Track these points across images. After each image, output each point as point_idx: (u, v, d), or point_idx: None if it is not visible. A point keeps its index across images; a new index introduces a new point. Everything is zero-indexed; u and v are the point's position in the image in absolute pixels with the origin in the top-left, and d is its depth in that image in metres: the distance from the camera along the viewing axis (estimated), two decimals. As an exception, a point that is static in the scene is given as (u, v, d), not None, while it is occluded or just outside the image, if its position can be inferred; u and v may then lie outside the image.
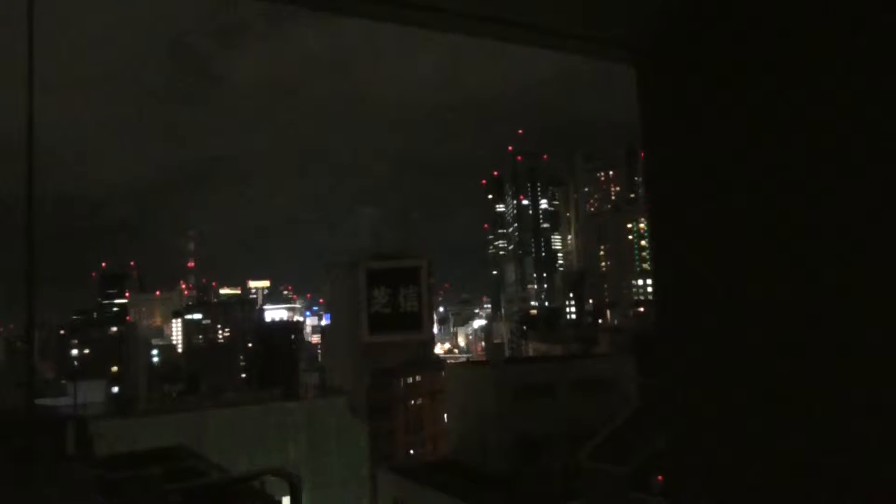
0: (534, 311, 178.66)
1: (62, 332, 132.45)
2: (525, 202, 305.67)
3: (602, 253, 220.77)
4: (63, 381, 71.36)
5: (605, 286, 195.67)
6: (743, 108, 1.62)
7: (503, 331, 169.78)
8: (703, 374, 1.74)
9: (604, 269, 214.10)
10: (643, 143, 1.92)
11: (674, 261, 1.85)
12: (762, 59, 1.58)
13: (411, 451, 66.14)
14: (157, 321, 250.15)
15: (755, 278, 1.58)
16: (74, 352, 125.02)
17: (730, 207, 1.65)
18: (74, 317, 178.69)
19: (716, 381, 1.69)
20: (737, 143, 1.64)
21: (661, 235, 1.90)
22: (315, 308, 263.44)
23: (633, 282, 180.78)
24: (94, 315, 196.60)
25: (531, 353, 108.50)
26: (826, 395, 1.45)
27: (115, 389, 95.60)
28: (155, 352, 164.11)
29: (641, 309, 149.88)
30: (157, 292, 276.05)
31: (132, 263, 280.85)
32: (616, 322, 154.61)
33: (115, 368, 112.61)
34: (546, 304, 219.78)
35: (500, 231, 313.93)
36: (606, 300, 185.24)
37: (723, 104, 1.67)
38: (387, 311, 75.50)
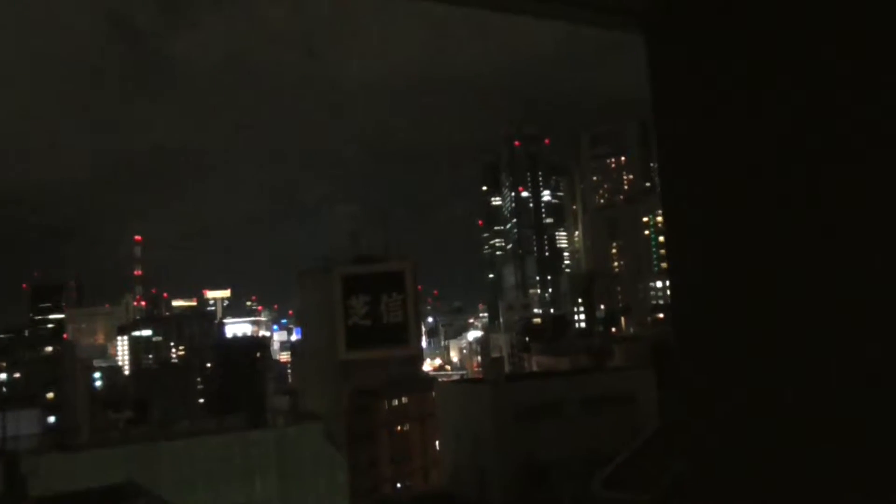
0: (537, 320, 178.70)
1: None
2: (525, 194, 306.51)
3: (614, 251, 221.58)
4: (-10, 411, 70.75)
5: (619, 289, 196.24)
6: (758, 74, 1.71)
7: (502, 343, 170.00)
8: (729, 381, 1.79)
9: (617, 269, 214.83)
10: (655, 114, 2.00)
11: (692, 254, 1.91)
12: (770, 25, 1.67)
13: (398, 485, 66.10)
14: (100, 339, 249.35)
15: (788, 271, 1.65)
16: (2, 376, 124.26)
17: (753, 181, 1.73)
18: (1, 335, 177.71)
19: (745, 390, 1.75)
20: (756, 110, 1.72)
21: (676, 219, 1.98)
22: (284, 321, 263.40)
23: (651, 284, 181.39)
24: (26, 333, 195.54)
25: (535, 369, 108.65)
26: (858, 397, 1.53)
27: (52, 419, 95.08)
28: (98, 374, 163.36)
29: (661, 315, 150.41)
30: (101, 305, 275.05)
31: (74, 273, 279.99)
32: (632, 330, 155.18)
33: (50, 395, 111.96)
34: (551, 311, 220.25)
35: (496, 228, 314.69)
36: (620, 305, 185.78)
37: (736, 70, 1.76)
38: (367, 322, 75.39)
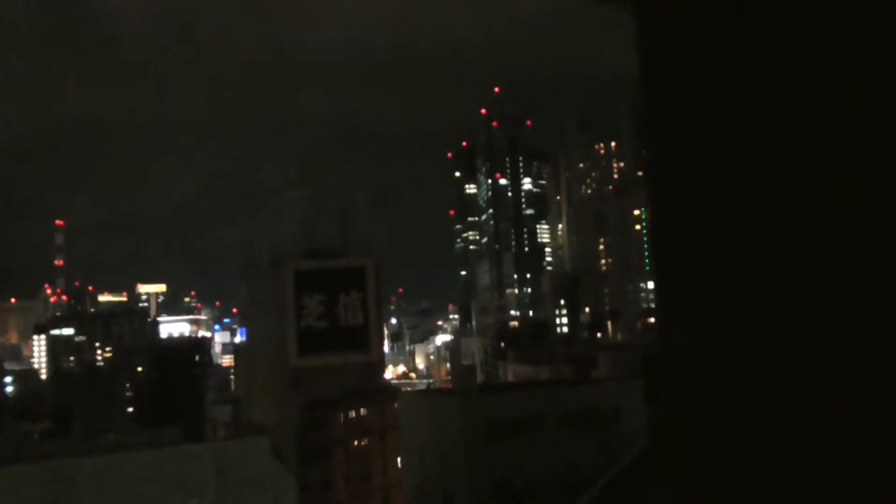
0: (514, 324, 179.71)
1: None
2: (503, 181, 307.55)
3: (602, 248, 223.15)
4: None
5: (606, 291, 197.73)
6: (758, 49, 1.76)
7: (474, 349, 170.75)
8: (719, 391, 1.84)
9: (604, 268, 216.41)
10: (641, 96, 2.04)
11: (680, 248, 1.96)
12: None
13: (354, 508, 66.20)
14: (13, 338, 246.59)
15: (786, 270, 1.70)
16: None
17: (749, 163, 1.77)
18: None
19: (735, 401, 1.81)
20: (753, 90, 1.77)
21: (663, 206, 2.01)
22: (226, 320, 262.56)
23: (642, 285, 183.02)
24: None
25: (511, 378, 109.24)
26: (859, 404, 1.59)
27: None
28: (9, 379, 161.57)
29: (652, 320, 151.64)
30: (13, 299, 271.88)
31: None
32: (620, 337, 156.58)
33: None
34: (530, 314, 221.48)
35: (470, 219, 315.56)
36: (607, 309, 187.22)
37: (732, 46, 1.81)
38: (322, 324, 75.22)
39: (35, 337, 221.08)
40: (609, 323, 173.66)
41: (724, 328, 1.84)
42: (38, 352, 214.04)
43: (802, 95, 1.68)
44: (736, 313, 1.82)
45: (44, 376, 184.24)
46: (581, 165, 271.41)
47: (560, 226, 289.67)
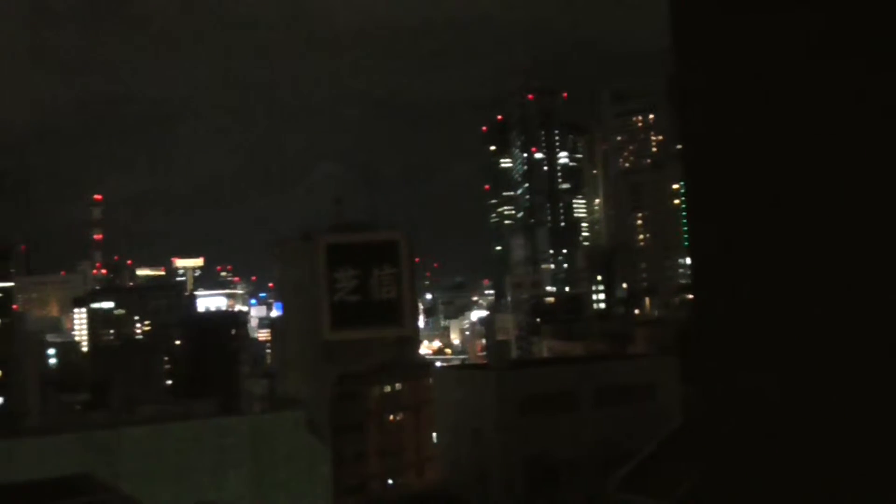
0: (549, 299, 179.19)
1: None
2: (538, 155, 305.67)
3: (639, 223, 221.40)
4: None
5: (643, 266, 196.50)
6: (794, 23, 1.74)
7: (509, 325, 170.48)
8: (749, 372, 1.83)
9: (641, 243, 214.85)
10: (676, 75, 2.02)
11: (717, 227, 1.92)
12: None
13: (389, 481, 66.50)
14: (54, 311, 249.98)
15: (822, 246, 1.69)
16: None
17: (788, 151, 1.76)
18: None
19: (765, 383, 1.80)
20: (786, 64, 1.76)
21: (699, 181, 1.99)
22: (262, 295, 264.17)
23: (680, 260, 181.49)
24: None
25: (546, 354, 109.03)
26: (892, 394, 1.59)
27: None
28: (51, 351, 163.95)
29: (690, 296, 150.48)
30: (55, 273, 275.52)
31: (22, 235, 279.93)
32: (657, 313, 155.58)
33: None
34: (565, 289, 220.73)
35: (505, 193, 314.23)
36: (644, 285, 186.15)
37: (767, 18, 1.79)
38: (355, 299, 75.37)
39: (75, 310, 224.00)
40: (646, 298, 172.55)
41: (759, 303, 1.82)
42: (79, 325, 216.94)
43: (839, 69, 1.66)
44: (772, 288, 1.80)
45: (84, 349, 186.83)
46: (618, 138, 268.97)
47: (596, 200, 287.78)
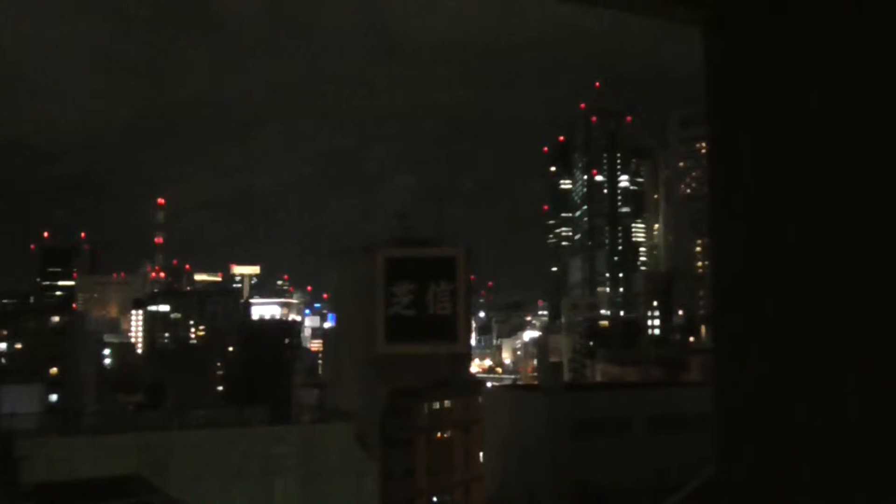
0: (604, 323, 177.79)
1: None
2: (599, 178, 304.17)
3: (698, 249, 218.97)
4: (-12, 384, 72.87)
5: (701, 294, 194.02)
6: (820, 75, 1.82)
7: (562, 346, 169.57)
8: (768, 380, 1.89)
9: (700, 270, 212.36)
10: (708, 114, 2.16)
11: (737, 252, 2.02)
12: (844, 17, 1.78)
13: (434, 498, 66.32)
14: (113, 311, 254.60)
15: (841, 273, 1.74)
16: (2, 346, 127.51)
17: (810, 186, 1.84)
18: (5, 300, 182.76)
19: (785, 392, 1.85)
20: (817, 113, 1.82)
21: (721, 219, 2.09)
22: (317, 305, 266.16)
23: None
24: (31, 299, 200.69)
25: (598, 378, 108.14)
26: None
27: (54, 397, 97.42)
28: (107, 351, 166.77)
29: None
30: (114, 274, 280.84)
31: (83, 235, 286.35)
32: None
33: (54, 370, 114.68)
34: (621, 313, 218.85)
35: (564, 215, 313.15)
36: (701, 312, 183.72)
37: (801, 71, 1.87)
38: (410, 313, 75.47)
39: (133, 311, 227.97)
40: (702, 327, 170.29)
41: (773, 316, 1.89)
42: (136, 326, 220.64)
43: (864, 123, 1.72)
44: (786, 305, 1.86)
45: (139, 350, 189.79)
46: (681, 164, 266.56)
47: (656, 225, 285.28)
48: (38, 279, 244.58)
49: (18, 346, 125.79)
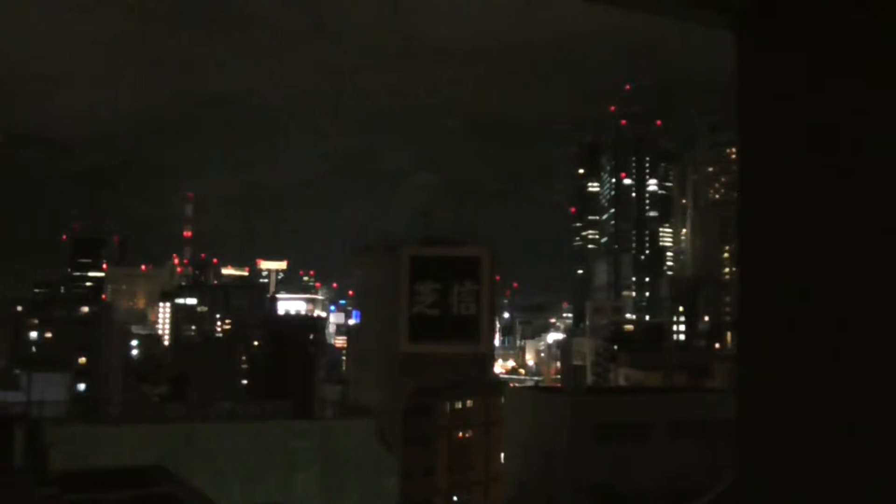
0: (629, 327, 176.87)
1: (19, 308, 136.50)
2: (627, 181, 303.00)
3: (726, 256, 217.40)
4: (16, 371, 73.64)
5: (727, 300, 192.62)
6: (856, 80, 1.82)
7: (586, 349, 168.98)
8: (792, 384, 1.90)
9: (727, 276, 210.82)
10: (737, 115, 2.17)
11: (765, 259, 2.03)
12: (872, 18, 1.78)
13: (454, 497, 66.33)
14: (140, 303, 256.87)
15: (865, 279, 1.74)
16: (33, 335, 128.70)
17: (842, 191, 1.83)
18: (36, 290, 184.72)
19: (807, 395, 1.85)
20: (846, 115, 1.82)
21: (750, 225, 2.11)
22: (342, 302, 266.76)
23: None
24: (61, 289, 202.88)
25: (621, 382, 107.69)
26: None
27: (82, 386, 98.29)
28: (135, 342, 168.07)
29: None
30: (143, 266, 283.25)
31: (117, 228, 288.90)
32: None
33: (82, 360, 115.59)
34: (646, 318, 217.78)
35: (590, 217, 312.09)
36: (728, 319, 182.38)
37: (831, 73, 1.87)
38: (434, 312, 75.41)
39: (161, 304, 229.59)
40: (728, 333, 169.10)
41: (798, 319, 1.89)
42: (163, 318, 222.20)
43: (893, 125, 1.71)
44: (811, 308, 1.85)
45: (166, 342, 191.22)
46: (710, 169, 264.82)
47: (684, 230, 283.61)
48: (69, 270, 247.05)
49: (48, 334, 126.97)
